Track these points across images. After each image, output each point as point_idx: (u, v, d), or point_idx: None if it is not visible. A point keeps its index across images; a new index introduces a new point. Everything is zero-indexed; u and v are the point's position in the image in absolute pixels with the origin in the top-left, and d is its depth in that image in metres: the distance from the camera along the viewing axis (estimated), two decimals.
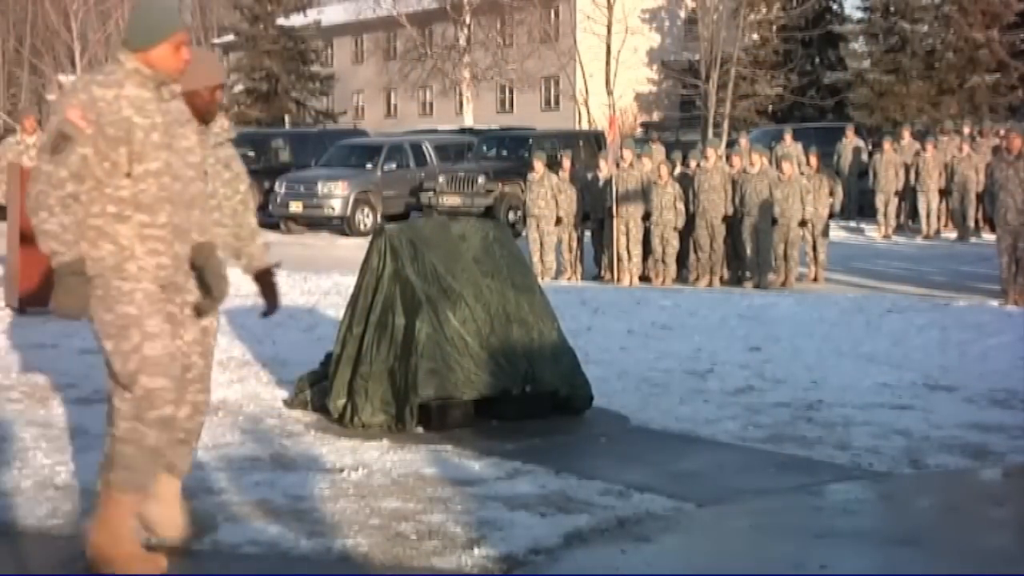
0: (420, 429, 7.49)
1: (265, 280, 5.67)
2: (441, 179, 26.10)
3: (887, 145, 24.34)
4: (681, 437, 7.54)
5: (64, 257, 4.74)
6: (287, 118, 48.38)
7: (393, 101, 54.39)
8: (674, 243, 17.17)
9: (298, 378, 8.28)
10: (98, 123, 4.76)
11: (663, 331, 11.66)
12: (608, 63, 36.72)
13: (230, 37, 56.79)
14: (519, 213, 23.67)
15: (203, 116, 5.38)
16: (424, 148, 28.40)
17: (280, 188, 26.47)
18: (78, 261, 4.76)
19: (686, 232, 17.22)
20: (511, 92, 48.17)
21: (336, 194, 25.95)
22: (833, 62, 44.42)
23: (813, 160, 18.62)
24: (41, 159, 4.80)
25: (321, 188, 26.00)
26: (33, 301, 11.88)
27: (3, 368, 9.21)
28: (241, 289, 14.53)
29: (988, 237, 20.11)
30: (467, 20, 43.94)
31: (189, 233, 4.96)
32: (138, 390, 4.81)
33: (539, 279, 10.87)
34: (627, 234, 17.36)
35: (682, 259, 17.42)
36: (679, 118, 42.78)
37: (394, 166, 27.42)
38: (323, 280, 14.42)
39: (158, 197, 4.85)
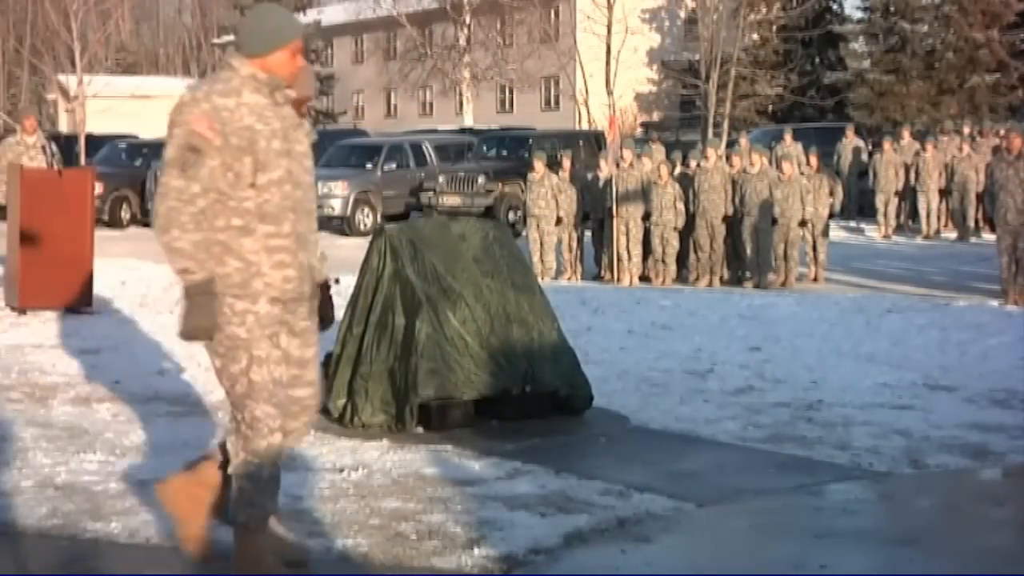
0: (420, 429, 7.49)
1: (323, 294, 5.49)
2: (441, 179, 26.10)
3: (887, 145, 24.34)
4: (681, 437, 7.54)
5: (196, 276, 4.63)
6: None
7: (393, 101, 54.40)
8: (674, 243, 17.17)
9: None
10: (222, 133, 4.63)
11: (663, 331, 11.66)
12: (608, 63, 36.68)
13: (230, 37, 56.77)
14: (519, 213, 23.67)
15: None
16: (424, 148, 28.40)
17: None
18: (210, 280, 4.65)
19: (686, 232, 17.21)
20: (511, 92, 48.16)
21: (336, 194, 25.95)
22: (833, 62, 44.42)
23: (813, 160, 18.61)
24: (169, 175, 4.64)
25: (321, 188, 25.93)
26: (33, 301, 11.88)
27: (3, 368, 9.21)
28: None
29: (988, 237, 20.10)
30: (467, 20, 43.93)
31: (310, 242, 4.88)
32: (246, 414, 4.75)
33: (539, 279, 10.87)
34: (627, 234, 17.36)
35: (682, 259, 17.41)
36: (679, 118, 42.76)
37: (394, 166, 27.42)
38: None
39: (282, 206, 4.73)
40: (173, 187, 4.61)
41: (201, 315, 4.66)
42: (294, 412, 4.91)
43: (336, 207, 25.92)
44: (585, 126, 37.54)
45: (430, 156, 28.10)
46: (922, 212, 23.77)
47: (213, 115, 4.64)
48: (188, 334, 4.73)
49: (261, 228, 4.71)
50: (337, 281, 5.73)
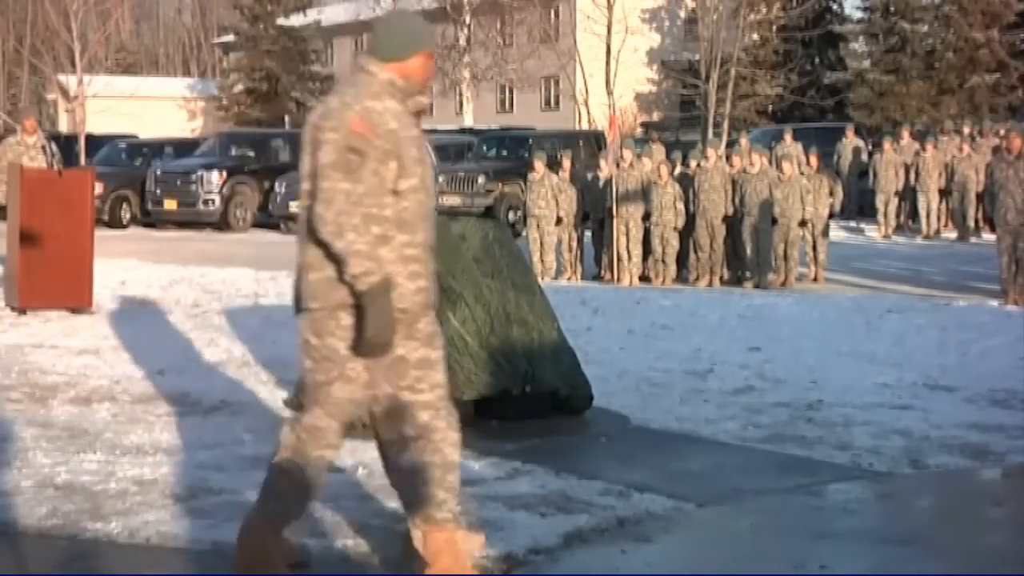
0: None
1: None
2: (441, 179, 26.07)
3: (887, 145, 24.36)
4: (681, 437, 7.54)
5: (376, 277, 4.52)
6: (287, 118, 48.40)
7: None
8: (674, 243, 17.17)
9: (298, 378, 8.26)
10: (376, 136, 4.57)
11: (663, 331, 11.66)
12: (608, 63, 36.69)
13: (230, 37, 56.81)
14: (519, 213, 23.67)
15: None
16: None
17: (280, 188, 26.45)
18: (388, 280, 4.56)
19: (686, 232, 17.21)
20: (511, 92, 48.16)
21: None
22: (833, 62, 44.45)
23: (813, 160, 18.62)
24: (332, 179, 4.53)
25: None
26: (33, 301, 11.88)
27: (3, 368, 9.21)
28: (242, 289, 14.52)
29: (988, 237, 20.11)
30: (467, 20, 43.94)
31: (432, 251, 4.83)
32: (308, 418, 4.73)
33: (539, 279, 10.86)
34: (627, 234, 17.36)
35: (682, 259, 17.41)
36: (679, 118, 42.78)
37: None
38: None
39: (417, 214, 4.69)
40: (341, 190, 4.51)
41: (385, 318, 4.54)
42: (420, 420, 4.74)
43: None
44: (585, 126, 37.56)
45: (430, 156, 28.06)
46: (922, 212, 23.78)
47: (366, 117, 4.58)
48: (375, 341, 4.57)
49: (399, 237, 4.64)
50: None
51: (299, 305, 4.79)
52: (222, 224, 27.16)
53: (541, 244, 17.91)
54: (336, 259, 4.56)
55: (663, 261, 17.26)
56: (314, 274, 4.67)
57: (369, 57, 4.77)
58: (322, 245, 4.59)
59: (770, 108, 42.50)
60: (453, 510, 4.82)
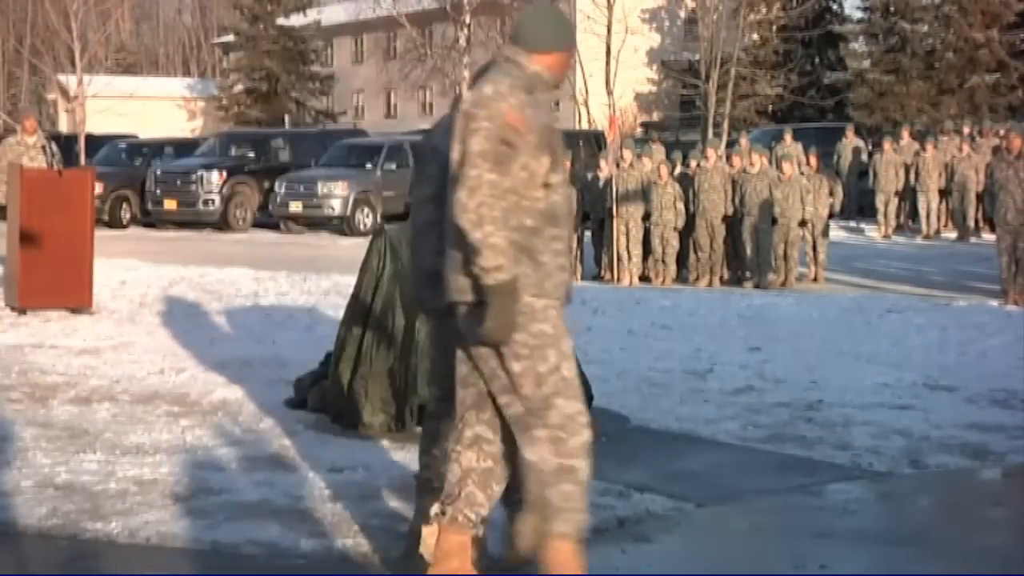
0: (420, 429, 7.47)
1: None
2: None
3: (887, 145, 24.35)
4: (681, 437, 7.55)
5: (505, 274, 4.37)
6: (287, 118, 48.39)
7: (393, 101, 54.41)
8: (674, 243, 17.17)
9: (297, 378, 8.28)
10: (529, 130, 4.48)
11: (663, 331, 11.66)
12: (608, 63, 36.69)
13: (230, 37, 56.81)
14: None
15: None
16: None
17: (280, 188, 26.48)
18: (516, 279, 4.41)
19: (686, 232, 17.22)
20: None
21: (336, 194, 25.97)
22: (833, 62, 44.45)
23: (813, 160, 18.63)
24: (481, 168, 4.40)
25: (321, 188, 26.01)
26: (33, 301, 11.88)
27: (3, 368, 9.21)
28: (242, 289, 14.51)
29: (988, 237, 20.11)
30: (467, 20, 43.92)
31: None
32: (554, 415, 4.49)
33: None
34: (627, 234, 17.36)
35: (682, 259, 17.41)
36: (679, 118, 42.78)
37: (394, 166, 27.36)
38: (323, 280, 14.44)
39: (563, 208, 4.63)
40: (487, 180, 4.39)
41: (506, 316, 4.39)
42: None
43: (336, 207, 25.93)
44: (585, 126, 37.55)
45: None
46: (922, 212, 23.78)
47: (521, 110, 4.50)
48: (489, 338, 4.44)
49: (549, 230, 4.56)
50: None
51: (438, 301, 4.67)
52: (222, 224, 27.16)
53: None
54: (468, 248, 4.43)
55: (663, 261, 17.26)
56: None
57: (516, 48, 4.69)
58: (460, 233, 4.45)
59: (770, 108, 42.50)
60: (481, 517, 4.76)
